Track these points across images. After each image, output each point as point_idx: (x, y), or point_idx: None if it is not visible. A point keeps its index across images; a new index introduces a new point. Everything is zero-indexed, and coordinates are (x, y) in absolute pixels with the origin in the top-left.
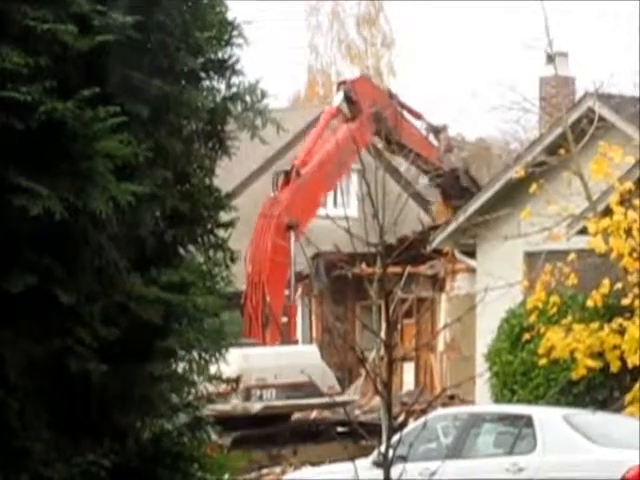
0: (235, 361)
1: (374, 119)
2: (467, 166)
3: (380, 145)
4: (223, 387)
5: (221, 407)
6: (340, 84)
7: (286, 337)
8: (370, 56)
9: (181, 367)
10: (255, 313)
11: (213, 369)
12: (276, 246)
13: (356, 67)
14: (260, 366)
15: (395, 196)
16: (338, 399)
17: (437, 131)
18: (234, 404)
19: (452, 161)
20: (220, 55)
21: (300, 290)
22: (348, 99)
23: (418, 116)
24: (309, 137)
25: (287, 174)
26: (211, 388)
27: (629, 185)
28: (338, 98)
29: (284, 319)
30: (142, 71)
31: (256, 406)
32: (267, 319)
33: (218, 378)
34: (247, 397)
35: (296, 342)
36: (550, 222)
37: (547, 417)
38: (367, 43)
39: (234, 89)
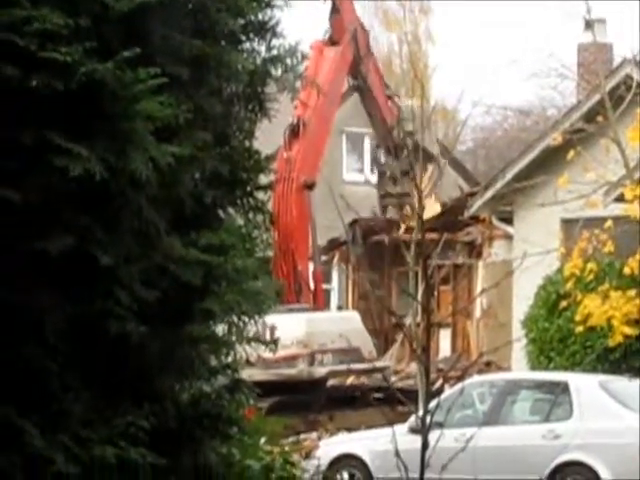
0: (301, 325)
1: (352, 38)
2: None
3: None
4: (291, 351)
5: (287, 371)
6: None
7: (316, 302)
8: (408, 23)
9: (220, 329)
10: (287, 280)
11: (278, 332)
12: (299, 210)
13: (393, 33)
14: (320, 331)
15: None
16: (380, 364)
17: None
18: (300, 369)
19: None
20: (260, 17)
21: (337, 257)
22: (333, 8)
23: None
24: (305, 80)
25: (294, 128)
26: (279, 352)
27: None
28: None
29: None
30: (182, 32)
31: (321, 370)
32: (299, 286)
33: (257, 340)
34: (311, 362)
35: (340, 308)
36: (587, 189)
37: (583, 384)
38: (405, 9)
39: (274, 51)
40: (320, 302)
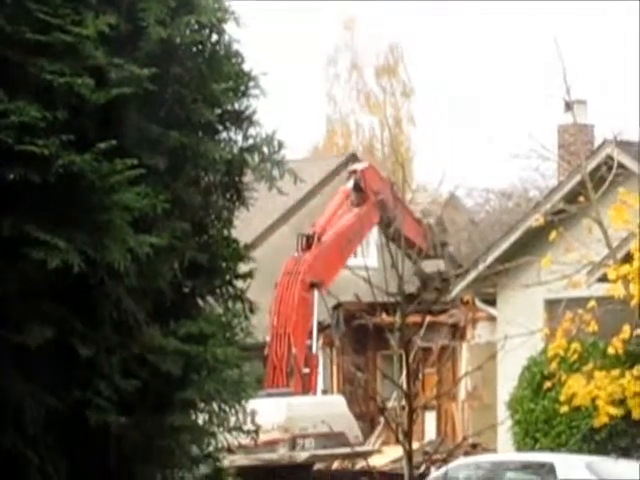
0: (281, 409)
1: (378, 207)
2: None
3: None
4: (272, 436)
5: (268, 456)
6: (351, 173)
7: (307, 387)
8: (389, 106)
9: (201, 418)
10: (280, 364)
11: (259, 417)
12: (301, 299)
13: (375, 117)
14: (302, 415)
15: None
16: (362, 449)
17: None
18: (281, 453)
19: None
20: (237, 106)
21: (321, 340)
22: (356, 186)
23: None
24: (328, 208)
25: (308, 239)
26: (262, 437)
27: None
28: (349, 184)
29: (306, 370)
30: (159, 123)
31: (302, 455)
32: (291, 369)
33: (238, 429)
34: (293, 446)
35: (325, 392)
36: (570, 269)
37: (569, 465)
38: (386, 93)
39: (251, 140)
40: (312, 386)
